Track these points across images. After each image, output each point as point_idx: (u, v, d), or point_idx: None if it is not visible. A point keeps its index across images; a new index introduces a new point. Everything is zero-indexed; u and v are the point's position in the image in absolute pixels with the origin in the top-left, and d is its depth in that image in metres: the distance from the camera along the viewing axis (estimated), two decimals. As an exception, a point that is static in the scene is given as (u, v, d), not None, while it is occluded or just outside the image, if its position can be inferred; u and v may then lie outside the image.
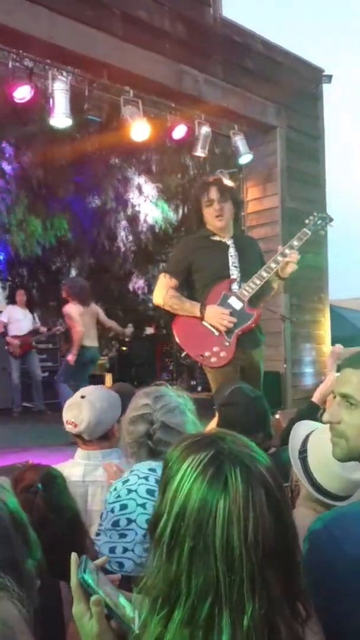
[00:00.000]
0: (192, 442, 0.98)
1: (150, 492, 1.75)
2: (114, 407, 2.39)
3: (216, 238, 3.66)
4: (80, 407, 2.33)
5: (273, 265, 3.59)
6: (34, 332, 8.23)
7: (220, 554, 0.86)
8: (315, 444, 1.69)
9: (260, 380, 3.84)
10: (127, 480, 1.82)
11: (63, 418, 2.38)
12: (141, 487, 1.77)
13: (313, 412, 2.29)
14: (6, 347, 8.05)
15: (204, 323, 3.52)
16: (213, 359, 3.48)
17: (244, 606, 0.86)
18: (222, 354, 3.49)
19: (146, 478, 1.79)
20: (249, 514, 0.88)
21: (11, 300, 8.98)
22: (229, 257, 3.64)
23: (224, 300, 3.55)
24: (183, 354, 3.61)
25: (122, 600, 1.11)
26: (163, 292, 3.64)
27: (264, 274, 3.57)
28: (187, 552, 0.88)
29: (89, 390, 2.45)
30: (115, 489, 1.82)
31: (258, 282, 3.55)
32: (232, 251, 3.64)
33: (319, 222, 3.88)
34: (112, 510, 1.76)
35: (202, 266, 3.61)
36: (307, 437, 1.75)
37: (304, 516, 1.63)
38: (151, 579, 0.92)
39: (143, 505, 1.73)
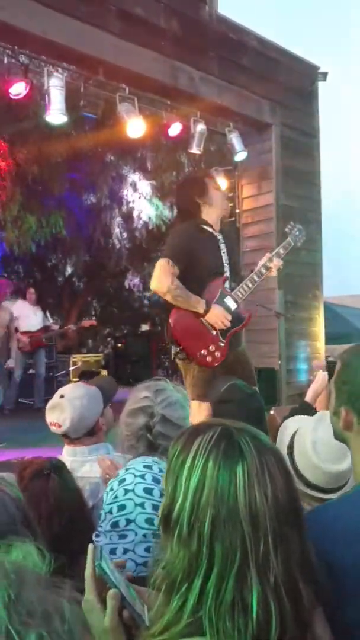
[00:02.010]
0: (194, 428, 1.04)
1: (147, 490, 1.75)
2: (94, 402, 2.38)
3: (209, 229, 3.62)
4: (62, 407, 2.33)
5: (264, 270, 3.66)
6: (45, 329, 8.21)
7: (245, 516, 0.91)
8: (299, 439, 1.71)
9: (253, 373, 3.85)
10: (123, 480, 1.81)
11: (46, 420, 2.38)
12: (138, 486, 1.76)
13: (306, 411, 2.31)
14: (16, 343, 8.04)
15: (202, 320, 3.49)
16: (209, 358, 3.48)
17: (270, 563, 0.91)
18: (217, 354, 3.50)
19: (142, 476, 1.79)
20: (265, 476, 0.94)
21: (17, 296, 8.93)
22: (222, 253, 3.65)
23: (221, 299, 3.55)
24: (178, 349, 3.48)
25: (133, 593, 1.12)
26: (167, 279, 3.41)
27: (256, 278, 3.63)
28: (209, 523, 0.92)
29: (67, 389, 2.44)
30: (111, 489, 1.82)
31: (251, 285, 3.61)
32: (222, 247, 3.65)
33: (297, 233, 3.95)
34: (111, 512, 1.76)
35: (201, 258, 3.54)
36: (295, 432, 1.76)
37: (308, 507, 1.65)
38: (168, 565, 0.94)
39: (142, 505, 1.73)
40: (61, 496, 1.61)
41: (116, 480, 1.84)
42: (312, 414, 2.15)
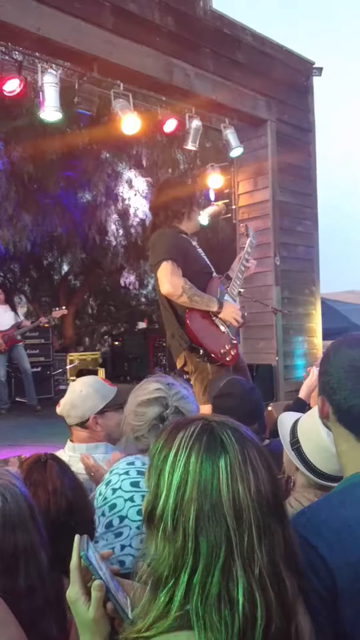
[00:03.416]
0: (176, 424, 1.03)
1: (134, 484, 1.76)
2: (93, 396, 2.38)
3: (185, 237, 3.66)
4: (68, 389, 2.42)
5: (242, 268, 3.84)
6: (16, 326, 8.16)
7: (228, 509, 0.92)
8: (306, 431, 1.71)
9: (247, 370, 3.90)
10: (109, 482, 1.82)
11: None
12: (124, 482, 1.78)
13: (301, 408, 2.31)
14: None
15: (214, 319, 3.50)
16: (228, 357, 3.47)
17: (255, 555, 0.91)
18: (232, 352, 3.51)
19: (127, 472, 1.80)
20: (248, 469, 0.94)
21: None
22: (202, 255, 3.71)
23: (222, 297, 3.57)
24: (201, 352, 3.42)
25: (117, 585, 1.12)
26: (180, 280, 3.35)
27: (240, 275, 3.78)
28: (193, 518, 0.92)
29: (83, 377, 2.55)
30: (100, 494, 1.83)
31: (239, 282, 3.74)
32: (200, 250, 3.72)
33: (251, 232, 4.13)
34: (103, 514, 1.77)
35: (192, 258, 3.57)
36: (293, 427, 1.76)
37: (308, 502, 1.65)
38: (154, 562, 0.95)
39: (131, 499, 1.74)
40: (60, 482, 1.62)
41: (103, 484, 1.85)
42: (307, 410, 2.15)
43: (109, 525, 1.73)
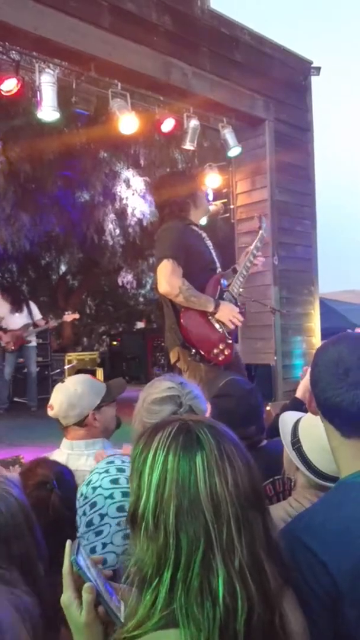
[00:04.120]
0: (154, 426, 1.06)
1: (114, 481, 1.77)
2: (89, 393, 2.38)
3: (195, 228, 3.64)
4: (59, 391, 2.38)
5: (248, 264, 3.78)
6: (27, 326, 8.20)
7: (206, 504, 0.94)
8: (307, 431, 1.71)
9: (244, 370, 3.92)
10: (89, 481, 1.82)
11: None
12: (104, 480, 1.78)
13: (297, 407, 2.30)
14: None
15: (210, 319, 3.48)
16: (221, 357, 3.46)
17: (234, 547, 0.93)
18: (226, 352, 3.49)
19: (107, 471, 1.81)
20: (225, 463, 0.97)
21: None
22: (210, 250, 3.67)
23: (220, 295, 3.56)
24: (193, 351, 3.42)
25: (109, 589, 1.12)
26: (177, 280, 3.35)
27: (245, 273, 3.71)
28: (173, 514, 0.94)
29: (73, 376, 2.54)
30: (81, 494, 1.83)
31: (242, 279, 3.69)
32: (208, 243, 3.68)
33: (264, 225, 4.09)
34: (84, 513, 1.77)
35: (196, 254, 3.53)
36: (295, 426, 1.76)
37: (309, 503, 1.64)
38: (139, 562, 0.96)
39: (110, 496, 1.74)
40: (61, 512, 1.61)
41: (84, 484, 1.85)
42: (304, 410, 2.14)
43: (90, 523, 1.73)
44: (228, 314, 3.47)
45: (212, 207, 4.97)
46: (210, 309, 3.44)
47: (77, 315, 9.08)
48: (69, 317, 8.59)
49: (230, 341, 3.52)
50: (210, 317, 3.48)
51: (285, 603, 0.99)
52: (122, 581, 1.00)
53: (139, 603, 0.94)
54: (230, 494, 0.95)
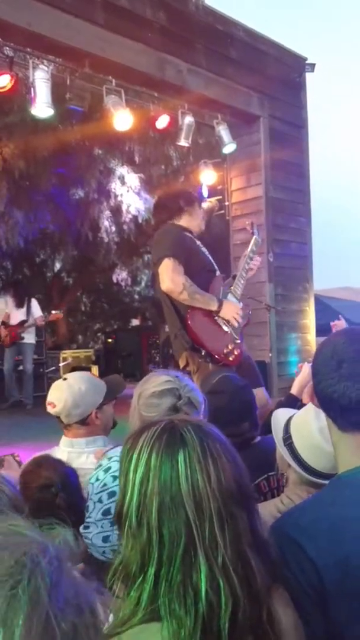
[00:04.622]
0: (141, 428, 1.08)
1: None
2: (93, 392, 2.37)
3: (189, 235, 3.64)
4: (61, 389, 2.35)
5: (246, 266, 3.81)
6: (21, 323, 8.22)
7: (188, 500, 0.95)
8: (299, 427, 1.71)
9: (255, 367, 3.88)
10: (109, 468, 1.82)
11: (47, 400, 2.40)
12: None
13: (292, 404, 2.30)
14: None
15: (216, 319, 3.47)
16: (231, 357, 3.44)
17: (217, 543, 0.94)
18: (236, 352, 3.48)
19: None
20: (208, 460, 0.98)
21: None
22: (207, 254, 3.69)
23: (224, 296, 3.56)
24: (204, 353, 3.39)
25: None
26: (181, 278, 3.32)
27: (244, 275, 3.75)
28: (155, 511, 0.95)
29: (73, 374, 2.49)
30: (97, 479, 1.82)
31: (243, 281, 3.71)
32: (204, 250, 3.70)
33: (256, 230, 4.10)
34: (100, 500, 1.76)
35: (196, 256, 3.54)
36: (287, 423, 1.76)
37: (300, 500, 1.65)
38: (124, 559, 0.98)
39: None
40: (66, 516, 1.60)
41: (101, 469, 1.84)
42: (298, 406, 2.14)
43: (107, 512, 1.73)
44: (232, 312, 3.47)
45: (207, 204, 5.00)
46: (214, 307, 3.43)
47: (60, 315, 9.09)
48: (53, 316, 8.61)
49: (238, 341, 3.52)
50: (216, 318, 3.47)
51: (275, 600, 0.99)
52: (108, 579, 0.99)
53: (125, 600, 0.95)
54: (212, 490, 0.96)
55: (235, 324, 3.50)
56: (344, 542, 1.11)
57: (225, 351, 3.42)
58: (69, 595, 0.53)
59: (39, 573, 0.52)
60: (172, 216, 3.64)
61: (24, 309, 8.29)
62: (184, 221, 3.63)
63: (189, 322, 3.39)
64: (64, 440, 2.39)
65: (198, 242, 3.69)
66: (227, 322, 3.49)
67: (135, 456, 1.02)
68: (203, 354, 3.38)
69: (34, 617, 0.49)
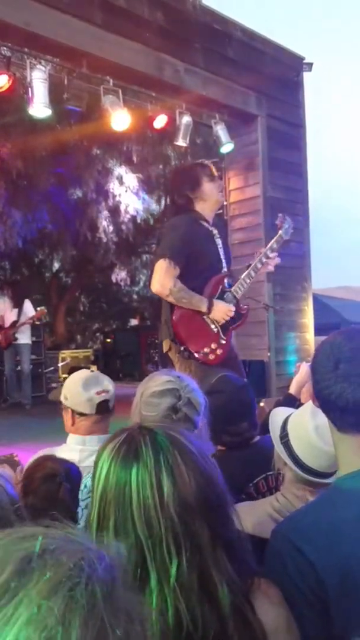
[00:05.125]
0: (112, 435, 1.05)
1: None
2: None
3: (205, 224, 3.56)
4: (98, 378, 2.35)
5: (259, 265, 3.66)
6: (13, 324, 8.22)
7: (138, 518, 0.91)
8: (295, 426, 1.71)
9: (242, 369, 3.87)
10: None
11: (86, 394, 2.31)
12: None
13: (291, 403, 2.30)
14: None
15: (205, 318, 3.45)
16: (211, 356, 3.43)
17: (169, 564, 0.89)
18: (218, 351, 3.45)
19: None
20: (161, 474, 0.93)
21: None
22: (218, 248, 3.60)
23: (221, 296, 3.53)
24: (181, 348, 3.39)
25: None
26: (169, 282, 3.33)
27: (252, 274, 3.61)
28: (112, 528, 0.93)
29: (84, 370, 2.50)
30: (85, 486, 1.81)
31: (248, 281, 3.60)
32: (218, 241, 3.61)
33: (287, 226, 3.94)
34: (87, 507, 1.76)
35: (199, 253, 3.46)
36: (285, 421, 1.76)
37: (295, 499, 1.65)
38: None
39: None
40: (69, 507, 1.60)
41: (89, 476, 1.83)
42: (297, 406, 2.14)
43: None
44: (222, 313, 3.43)
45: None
46: (203, 309, 3.40)
47: (44, 311, 9.13)
48: (37, 313, 8.61)
49: (224, 341, 3.49)
50: (205, 317, 3.45)
51: (259, 601, 0.96)
52: None
53: None
54: (166, 507, 0.92)
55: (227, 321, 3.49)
56: (344, 543, 1.10)
57: (205, 350, 3.40)
58: (122, 603, 0.54)
59: (96, 578, 0.53)
60: (183, 209, 3.58)
61: (16, 310, 8.30)
62: (198, 207, 3.55)
63: (173, 317, 3.39)
64: (75, 438, 2.32)
65: (214, 232, 3.59)
66: (217, 322, 3.47)
67: (98, 468, 0.99)
68: (182, 349, 3.39)
69: (89, 620, 0.50)
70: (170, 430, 1.03)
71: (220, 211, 6.69)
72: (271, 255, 3.73)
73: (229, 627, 0.90)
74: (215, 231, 3.61)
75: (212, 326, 3.47)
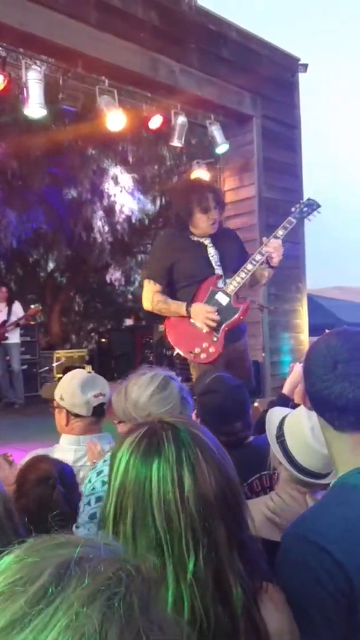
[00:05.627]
0: (130, 428, 1.05)
1: None
2: None
3: (195, 238, 3.64)
4: (95, 379, 2.39)
5: (258, 257, 3.55)
6: (2, 324, 8.21)
7: (157, 512, 0.92)
8: (292, 426, 1.72)
9: (250, 370, 3.91)
10: (101, 472, 1.82)
11: (84, 396, 2.31)
12: None
13: (284, 403, 2.31)
14: None
15: (192, 321, 3.52)
16: (203, 355, 3.48)
17: (186, 559, 0.90)
18: (211, 350, 3.49)
19: None
20: (182, 470, 0.93)
21: None
22: (210, 257, 3.63)
23: (211, 297, 3.54)
24: (175, 353, 3.59)
25: None
26: (149, 298, 3.63)
27: (249, 267, 3.54)
28: (130, 521, 0.93)
29: (79, 369, 2.51)
30: (90, 481, 1.82)
31: (244, 275, 3.53)
32: (211, 250, 3.64)
33: (305, 209, 3.79)
34: (89, 503, 1.76)
35: (183, 266, 3.58)
36: (281, 421, 1.77)
37: (290, 498, 1.66)
38: None
39: None
40: (63, 509, 1.60)
41: (95, 471, 1.84)
42: (290, 406, 2.15)
43: (93, 516, 1.73)
44: (200, 315, 3.47)
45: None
46: (184, 313, 3.52)
47: (39, 309, 9.14)
48: (32, 311, 8.61)
49: (216, 339, 3.51)
50: (192, 320, 3.53)
51: (265, 604, 0.97)
52: None
53: None
54: (185, 502, 0.92)
55: (212, 324, 3.48)
56: None
57: (196, 350, 3.48)
58: (156, 618, 0.53)
59: (134, 589, 0.52)
60: (176, 223, 3.73)
61: (5, 310, 8.30)
62: (191, 226, 3.62)
63: (164, 323, 3.67)
64: (69, 439, 2.33)
65: (206, 242, 3.63)
66: (201, 323, 3.52)
67: (117, 461, 0.99)
68: (175, 353, 3.65)
69: (126, 630, 0.49)
70: (192, 426, 1.03)
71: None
72: (273, 242, 3.55)
73: (239, 628, 0.91)
74: (207, 241, 3.64)
75: (202, 327, 3.51)
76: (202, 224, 3.58)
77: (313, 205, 3.81)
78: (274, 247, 3.52)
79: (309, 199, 3.86)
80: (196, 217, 3.56)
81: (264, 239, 3.64)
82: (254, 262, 3.54)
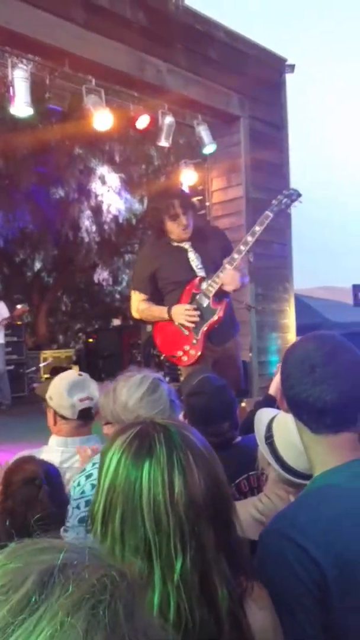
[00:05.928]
0: (120, 428, 1.05)
1: None
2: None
3: (174, 244, 3.70)
4: (85, 383, 2.35)
5: (236, 255, 3.56)
6: None
7: (147, 513, 0.92)
8: (280, 427, 1.72)
9: (239, 370, 4.00)
10: (90, 475, 1.81)
11: (69, 399, 2.30)
12: None
13: (270, 404, 2.32)
14: None
15: (177, 324, 3.60)
16: (184, 358, 3.59)
17: (174, 561, 0.90)
18: (191, 352, 3.58)
19: None
20: (173, 473, 0.94)
21: None
22: (190, 261, 3.67)
23: (193, 299, 3.60)
24: (163, 357, 3.74)
25: None
26: (135, 307, 3.80)
27: (228, 267, 3.54)
28: (119, 521, 0.93)
29: (71, 371, 2.50)
30: (79, 484, 1.81)
31: (221, 275, 3.52)
32: (191, 255, 3.68)
33: (285, 200, 3.79)
34: (78, 507, 1.76)
35: (166, 273, 3.68)
36: (270, 422, 1.77)
37: (278, 499, 1.66)
38: None
39: None
40: (49, 509, 1.59)
41: (83, 475, 1.83)
42: (275, 406, 2.16)
43: (82, 520, 1.73)
44: (179, 316, 3.55)
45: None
46: (166, 317, 3.62)
47: (26, 309, 9.05)
48: (19, 310, 8.53)
49: (196, 341, 3.56)
50: (175, 323, 3.61)
51: (251, 604, 0.98)
52: None
53: None
54: (175, 505, 0.92)
55: (189, 325, 3.53)
56: (340, 538, 1.13)
57: (179, 353, 3.61)
58: (142, 624, 0.53)
59: (118, 596, 0.52)
60: (156, 236, 3.79)
61: None
62: (171, 234, 3.66)
63: (153, 330, 3.85)
64: (57, 440, 2.33)
65: (186, 247, 3.67)
66: (182, 325, 3.58)
67: (107, 460, 0.99)
68: (163, 357, 3.76)
69: (111, 639, 0.49)
70: (183, 429, 1.03)
71: (203, 212, 6.72)
72: (250, 240, 3.64)
73: (224, 629, 0.91)
74: (187, 245, 3.68)
75: (183, 329, 3.59)
76: (174, 231, 3.63)
77: (292, 195, 3.80)
78: (230, 277, 3.50)
79: (288, 189, 3.87)
80: (167, 225, 3.62)
81: (225, 260, 3.57)
82: (231, 262, 3.56)
